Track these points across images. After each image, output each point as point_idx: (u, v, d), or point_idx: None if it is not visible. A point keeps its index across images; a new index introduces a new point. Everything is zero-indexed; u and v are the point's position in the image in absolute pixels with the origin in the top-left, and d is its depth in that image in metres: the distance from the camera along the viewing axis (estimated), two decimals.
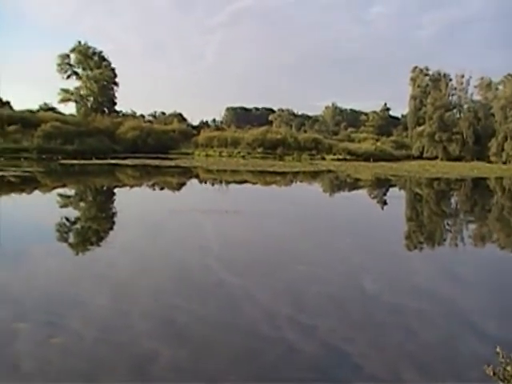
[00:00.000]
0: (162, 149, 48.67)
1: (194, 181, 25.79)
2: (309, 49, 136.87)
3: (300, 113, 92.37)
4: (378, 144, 56.27)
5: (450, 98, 56.25)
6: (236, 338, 4.80)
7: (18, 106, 57.95)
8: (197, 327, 5.03)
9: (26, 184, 19.95)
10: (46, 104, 61.93)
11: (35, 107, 58.74)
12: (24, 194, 17.32)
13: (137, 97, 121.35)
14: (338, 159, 47.41)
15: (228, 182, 24.62)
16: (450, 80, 56.61)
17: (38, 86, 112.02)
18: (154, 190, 20.41)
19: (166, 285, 6.56)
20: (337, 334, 4.97)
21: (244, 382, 3.88)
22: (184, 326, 5.04)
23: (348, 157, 49.02)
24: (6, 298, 5.73)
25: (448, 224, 13.81)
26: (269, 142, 51.04)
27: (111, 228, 11.35)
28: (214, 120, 75.37)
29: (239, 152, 49.67)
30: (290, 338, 4.82)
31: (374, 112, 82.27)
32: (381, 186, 26.23)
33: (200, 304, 5.79)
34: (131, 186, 21.25)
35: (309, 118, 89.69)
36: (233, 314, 5.48)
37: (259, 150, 50.04)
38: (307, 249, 9.25)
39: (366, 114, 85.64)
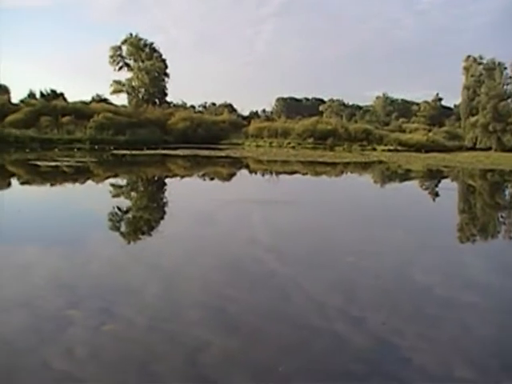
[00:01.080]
0: (212, 139, 48.60)
1: (244, 171, 25.48)
2: (360, 38, 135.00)
3: (350, 103, 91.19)
4: (430, 134, 54.83)
5: (505, 87, 53.90)
6: (286, 329, 4.70)
7: (72, 97, 58.51)
8: (247, 317, 4.98)
9: (79, 174, 20.06)
10: (98, 95, 62.64)
11: (88, 98, 59.26)
12: (77, 184, 17.44)
13: (187, 88, 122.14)
14: (389, 150, 46.36)
15: (278, 173, 24.35)
16: (505, 69, 54.21)
17: (90, 78, 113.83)
18: (205, 180, 20.37)
19: (216, 274, 6.49)
20: (386, 327, 4.80)
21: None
22: (234, 315, 4.99)
23: (399, 147, 47.90)
24: (61, 285, 5.75)
25: (502, 217, 13.31)
26: (319, 133, 50.36)
27: (162, 218, 11.32)
28: (264, 110, 74.98)
29: (289, 142, 49.20)
30: (340, 329, 4.71)
31: (426, 102, 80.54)
32: (433, 177, 25.53)
33: (250, 294, 5.73)
34: (182, 177, 21.14)
35: (359, 108, 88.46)
36: (283, 305, 5.38)
37: (309, 140, 49.47)
38: (357, 240, 9.05)
39: (417, 104, 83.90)
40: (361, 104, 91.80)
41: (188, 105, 73.25)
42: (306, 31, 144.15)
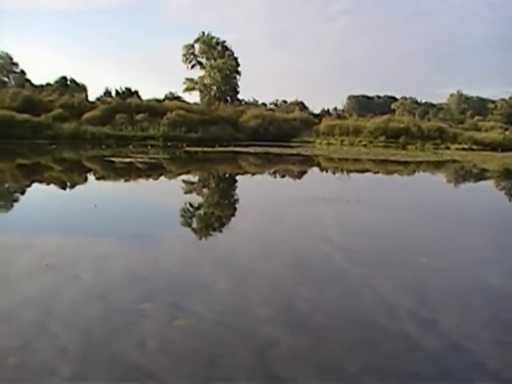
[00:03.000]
0: (283, 137, 48.58)
1: (315, 169, 25.29)
2: (433, 34, 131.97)
3: (423, 101, 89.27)
4: (507, 133, 52.65)
5: None
6: (355, 328, 4.64)
7: (146, 95, 59.81)
8: (316, 315, 4.91)
9: (152, 170, 20.35)
10: (171, 93, 63.79)
11: (161, 96, 60.39)
12: (150, 180, 17.64)
13: (259, 85, 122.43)
14: (464, 149, 44.86)
15: (349, 171, 24.05)
16: None
17: (164, 76, 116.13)
18: (276, 177, 20.12)
19: (285, 271, 6.46)
20: (459, 330, 4.65)
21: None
22: (303, 313, 4.94)
23: (474, 146, 46.23)
24: (135, 279, 5.86)
25: None
26: (391, 131, 49.42)
27: (233, 214, 11.36)
28: (335, 108, 74.29)
29: (361, 141, 48.56)
30: (410, 330, 4.59)
31: (503, 100, 77.70)
32: (510, 177, 24.77)
33: (319, 292, 5.66)
34: (253, 174, 21.13)
35: (433, 106, 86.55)
36: (352, 304, 5.33)
37: (381, 138, 48.64)
38: (430, 241, 8.83)
39: (493, 102, 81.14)
40: (434, 102, 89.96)
41: (259, 102, 73.45)
42: (378, 27, 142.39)
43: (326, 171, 23.95)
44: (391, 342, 4.36)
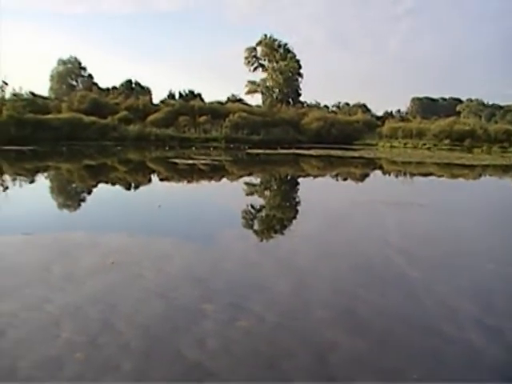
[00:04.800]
0: (345, 139, 48.30)
1: (378, 172, 24.93)
2: (501, 33, 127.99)
3: (490, 102, 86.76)
4: None
5: None
6: (416, 334, 4.55)
7: (209, 97, 60.55)
8: (376, 319, 4.85)
9: (214, 172, 20.52)
10: (233, 95, 64.37)
11: (224, 99, 61.02)
12: (213, 182, 17.74)
13: (321, 87, 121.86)
14: None
15: (412, 174, 23.57)
16: None
17: (226, 79, 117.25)
18: (338, 180, 19.91)
19: (346, 274, 6.43)
20: None
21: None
22: (364, 317, 4.90)
23: None
24: (196, 279, 5.92)
25: None
26: (456, 134, 48.27)
27: (294, 217, 11.31)
28: (398, 111, 73.22)
29: (425, 143, 47.69)
30: (474, 339, 4.47)
31: None
32: None
33: (380, 296, 5.58)
34: (315, 176, 20.99)
35: (500, 107, 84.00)
36: (413, 309, 5.23)
37: (446, 141, 47.59)
38: (498, 246, 8.56)
39: None
40: (502, 103, 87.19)
41: (321, 105, 73.19)
42: (442, 28, 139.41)
43: (389, 174, 23.61)
44: (454, 349, 4.27)
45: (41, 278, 5.77)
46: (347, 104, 75.78)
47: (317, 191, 16.18)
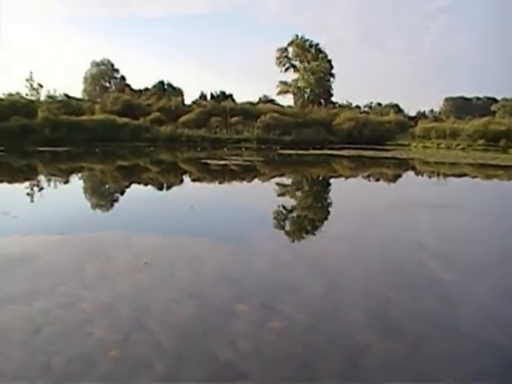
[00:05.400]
0: (377, 140, 48.02)
1: (410, 173, 24.72)
2: None
3: None
4: None
5: None
6: (451, 338, 4.46)
7: (240, 98, 60.73)
8: (409, 322, 4.79)
9: (246, 172, 20.60)
10: (265, 96, 64.53)
11: (255, 99, 61.17)
12: (244, 182, 17.85)
13: (353, 88, 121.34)
14: None
15: (446, 175, 23.35)
16: None
17: (258, 79, 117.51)
18: (370, 181, 19.74)
19: (378, 277, 6.32)
20: None
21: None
22: (396, 320, 4.84)
23: None
24: (228, 280, 5.93)
25: None
26: (491, 134, 47.57)
27: (326, 218, 11.27)
28: (431, 110, 72.28)
29: (458, 144, 47.08)
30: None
31: None
32: None
33: (413, 299, 5.50)
34: (346, 177, 20.96)
35: None
36: (448, 313, 5.12)
37: (480, 141, 46.92)
38: None
39: None
40: None
41: (353, 105, 72.77)
42: (477, 26, 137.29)
43: (422, 175, 23.37)
44: (491, 355, 4.19)
45: (75, 276, 5.84)
46: (379, 104, 75.27)
47: (349, 192, 16.12)
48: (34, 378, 3.56)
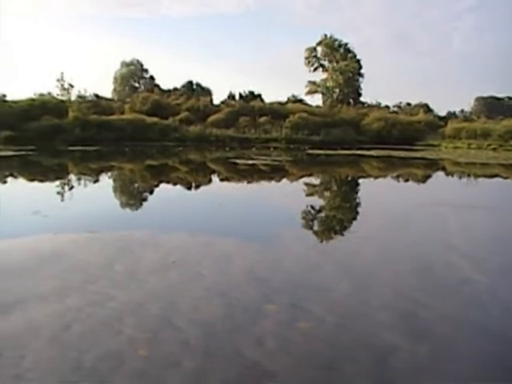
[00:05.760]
0: (407, 140, 47.59)
1: (440, 173, 24.44)
2: None
3: None
4: None
5: None
6: (481, 341, 4.38)
7: (269, 98, 60.71)
8: (438, 324, 4.71)
9: (274, 172, 20.66)
10: (294, 96, 64.47)
11: (284, 99, 61.15)
12: (273, 182, 17.84)
13: (382, 87, 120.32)
14: None
15: (477, 176, 22.96)
16: None
17: (286, 79, 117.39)
18: (399, 181, 19.50)
19: (407, 278, 6.27)
20: None
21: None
22: (425, 321, 4.77)
23: None
24: (256, 279, 5.95)
25: None
26: None
27: (355, 218, 11.22)
28: (462, 110, 71.52)
29: (489, 144, 46.41)
30: None
31: None
32: None
33: (442, 300, 5.40)
34: (375, 177, 20.72)
35: None
36: (478, 315, 5.04)
37: None
38: None
39: None
40: None
41: (382, 105, 72.26)
42: (507, 25, 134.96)
43: (452, 176, 23.10)
44: None
45: (104, 275, 5.91)
46: (409, 104, 74.56)
47: (377, 192, 16.00)
48: (65, 374, 3.60)
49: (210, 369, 3.73)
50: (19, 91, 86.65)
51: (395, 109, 73.16)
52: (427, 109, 67.73)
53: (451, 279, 6.30)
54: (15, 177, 18.40)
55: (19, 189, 14.83)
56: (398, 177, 21.54)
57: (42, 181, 17.01)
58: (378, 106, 69.73)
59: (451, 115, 66.75)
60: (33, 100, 45.82)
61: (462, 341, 4.40)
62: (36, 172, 20.02)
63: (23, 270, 6.11)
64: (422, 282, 6.12)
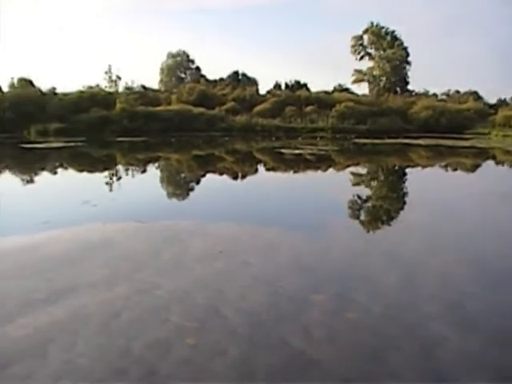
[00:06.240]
0: (455, 128, 46.58)
1: (490, 162, 23.89)
2: None
3: None
4: None
5: None
6: None
7: (315, 87, 60.40)
8: (487, 315, 4.62)
9: (321, 162, 20.65)
10: (340, 85, 63.87)
11: (330, 88, 60.69)
12: (319, 172, 17.70)
13: (429, 75, 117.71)
14: None
15: None
16: None
17: (332, 68, 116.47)
18: (447, 171, 19.11)
19: (455, 268, 6.15)
20: None
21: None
22: (474, 312, 4.68)
23: None
24: (303, 268, 5.93)
25: None
26: None
27: (402, 208, 11.07)
28: None
29: None
30: None
31: None
32: None
33: (492, 291, 5.31)
34: (423, 167, 20.31)
35: None
36: None
37: None
38: None
39: None
40: None
41: (430, 93, 70.95)
42: None
43: (503, 165, 22.53)
44: None
45: (152, 263, 6.00)
46: (457, 92, 73.00)
47: (425, 182, 15.74)
48: (113, 361, 3.66)
49: (256, 357, 3.76)
50: (69, 84, 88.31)
51: (443, 97, 71.71)
52: (477, 96, 66.18)
53: (501, 270, 6.17)
54: (65, 168, 18.78)
55: (69, 179, 15.14)
56: (446, 166, 21.13)
57: (91, 171, 17.33)
58: (425, 94, 68.51)
59: (502, 103, 64.99)
60: (82, 92, 46.70)
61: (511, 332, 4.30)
62: (85, 163, 20.41)
63: (73, 258, 6.25)
64: (471, 273, 6.00)
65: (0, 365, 3.61)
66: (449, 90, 74.12)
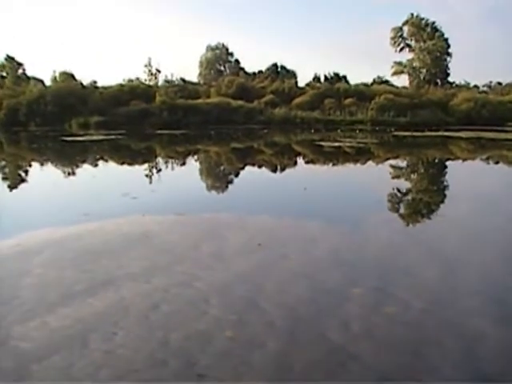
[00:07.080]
0: (497, 121, 45.61)
1: None
2: None
3: None
4: None
5: None
6: None
7: (354, 80, 59.94)
8: None
9: (360, 154, 20.41)
10: (379, 77, 63.28)
11: (369, 80, 60.15)
12: (358, 164, 17.64)
13: (471, 67, 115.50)
14: None
15: None
16: None
17: (372, 60, 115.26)
18: (489, 164, 18.77)
19: (496, 262, 6.09)
20: None
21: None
22: None
23: None
24: (341, 262, 5.91)
25: None
26: None
27: (442, 201, 10.87)
28: None
29: None
30: None
31: None
32: None
33: None
34: (464, 159, 19.91)
35: None
36: None
37: None
38: None
39: None
40: None
41: (471, 85, 69.66)
42: None
43: None
44: None
45: (191, 256, 6.04)
46: (499, 83, 71.50)
47: (466, 175, 15.52)
48: (153, 352, 3.69)
49: (294, 351, 3.76)
50: (109, 77, 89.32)
51: (485, 88, 70.36)
52: None
53: None
54: (106, 160, 19.04)
55: (109, 172, 15.36)
56: (487, 159, 20.71)
57: (130, 164, 17.55)
58: (466, 86, 67.28)
59: None
60: (122, 85, 47.25)
61: None
62: (125, 155, 20.65)
63: (113, 250, 6.34)
64: (511, 268, 5.91)
65: (42, 355, 3.67)
66: (490, 82, 72.72)
